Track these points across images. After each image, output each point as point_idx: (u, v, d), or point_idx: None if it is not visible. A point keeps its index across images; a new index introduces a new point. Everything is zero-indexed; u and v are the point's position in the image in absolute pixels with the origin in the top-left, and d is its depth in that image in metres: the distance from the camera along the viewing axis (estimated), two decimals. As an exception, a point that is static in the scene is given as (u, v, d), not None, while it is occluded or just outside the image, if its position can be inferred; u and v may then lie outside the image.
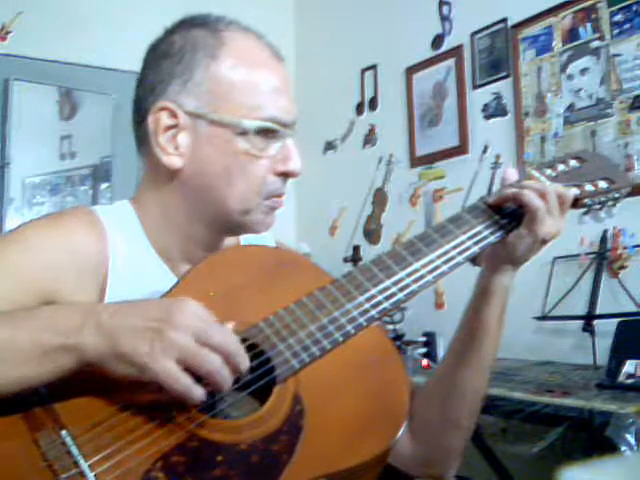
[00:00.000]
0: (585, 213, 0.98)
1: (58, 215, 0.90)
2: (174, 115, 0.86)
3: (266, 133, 0.86)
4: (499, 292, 0.92)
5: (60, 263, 0.83)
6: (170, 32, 0.90)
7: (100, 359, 0.70)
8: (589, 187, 0.94)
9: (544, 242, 0.88)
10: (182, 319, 0.69)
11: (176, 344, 0.68)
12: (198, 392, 0.69)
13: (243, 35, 0.89)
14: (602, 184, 0.95)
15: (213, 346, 0.69)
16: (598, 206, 0.96)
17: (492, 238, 0.89)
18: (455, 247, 0.87)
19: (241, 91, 0.86)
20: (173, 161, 0.87)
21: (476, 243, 0.88)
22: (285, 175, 0.89)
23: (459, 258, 0.86)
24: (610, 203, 0.96)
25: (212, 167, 0.86)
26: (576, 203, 0.93)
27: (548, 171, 0.95)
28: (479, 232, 0.88)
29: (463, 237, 0.88)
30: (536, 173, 0.95)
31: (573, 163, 0.97)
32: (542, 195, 0.87)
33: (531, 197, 0.86)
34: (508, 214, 0.90)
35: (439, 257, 0.86)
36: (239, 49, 0.87)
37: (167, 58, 0.88)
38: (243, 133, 0.85)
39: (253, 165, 0.86)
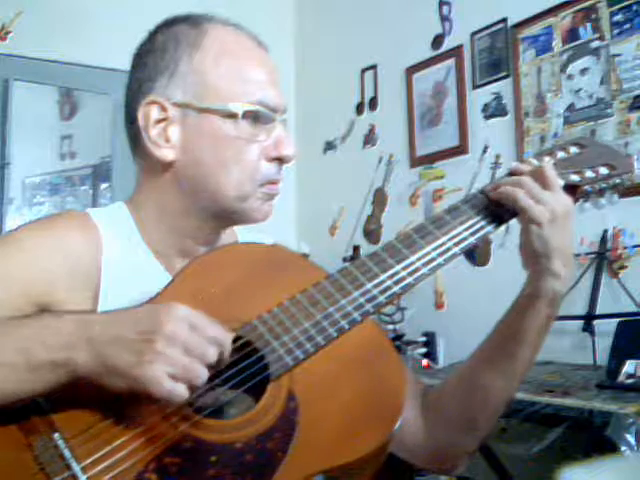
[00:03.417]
0: (585, 200, 0.96)
1: (51, 218, 0.90)
2: (163, 108, 0.87)
3: (255, 118, 0.86)
4: (544, 297, 0.86)
5: (53, 266, 0.82)
6: (153, 32, 0.91)
7: (92, 373, 0.70)
8: (589, 173, 0.91)
9: (553, 221, 0.83)
10: (171, 329, 0.69)
11: (164, 356, 0.68)
12: (181, 393, 0.68)
13: (224, 26, 0.90)
14: (603, 170, 0.91)
15: (199, 357, 0.69)
16: (598, 193, 0.93)
17: (489, 228, 0.87)
18: (451, 238, 0.85)
19: (226, 78, 0.86)
20: (165, 154, 0.87)
21: (473, 234, 0.87)
22: (278, 160, 0.89)
23: (455, 249, 0.85)
24: (611, 190, 0.93)
25: (205, 156, 0.87)
26: (576, 190, 0.91)
27: (547, 158, 0.93)
28: (476, 222, 0.87)
29: (460, 228, 0.86)
30: (534, 161, 0.92)
31: (573, 149, 0.95)
32: (518, 184, 0.85)
33: (509, 191, 0.85)
34: (503, 204, 0.88)
35: (435, 249, 0.85)
36: (222, 39, 0.88)
37: (151, 55, 0.89)
38: (231, 117, 0.85)
39: (245, 150, 0.87)
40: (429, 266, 0.84)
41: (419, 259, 0.84)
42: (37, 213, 3.33)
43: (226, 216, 0.90)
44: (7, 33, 3.03)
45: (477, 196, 0.90)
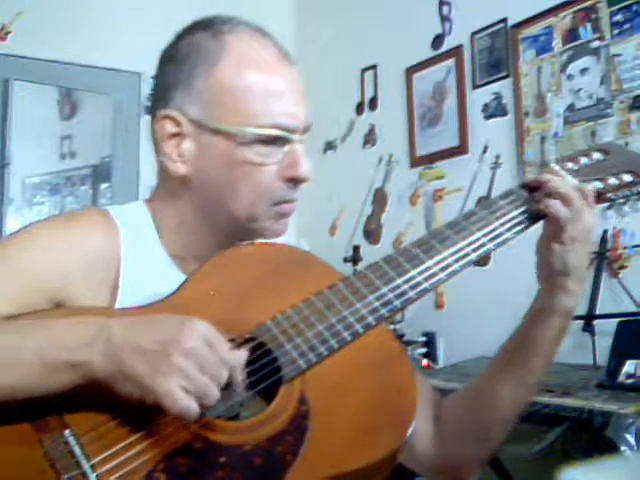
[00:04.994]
0: (608, 207, 0.95)
1: (70, 216, 0.90)
2: (177, 123, 0.86)
3: (269, 140, 0.85)
4: (557, 312, 0.87)
5: (70, 264, 0.83)
6: (178, 36, 0.90)
7: (107, 377, 0.70)
8: (613, 181, 0.91)
9: (578, 241, 0.84)
10: (189, 344, 0.69)
11: (179, 369, 0.68)
12: (195, 411, 0.69)
13: (248, 37, 0.87)
14: (627, 177, 0.91)
15: (214, 377, 0.69)
16: (622, 200, 0.92)
17: (508, 235, 0.86)
18: (469, 244, 0.85)
19: (241, 98, 0.84)
20: (178, 168, 0.87)
21: (492, 239, 0.86)
22: (293, 181, 0.88)
23: (473, 255, 0.84)
24: (635, 197, 0.92)
25: (216, 176, 0.86)
26: (599, 197, 0.90)
27: (570, 164, 0.92)
28: (494, 229, 0.86)
29: (478, 234, 0.86)
30: (557, 167, 0.91)
31: (597, 156, 0.94)
32: (566, 202, 0.84)
33: (557, 208, 0.84)
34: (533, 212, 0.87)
35: (452, 255, 0.84)
36: (240, 53, 0.85)
37: (171, 64, 0.88)
38: (244, 142, 0.84)
39: (257, 173, 0.85)
40: (446, 271, 0.83)
41: (436, 264, 0.83)
42: (37, 213, 3.32)
43: (237, 234, 0.90)
44: (7, 33, 3.03)
45: (496, 200, 0.89)
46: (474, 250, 0.85)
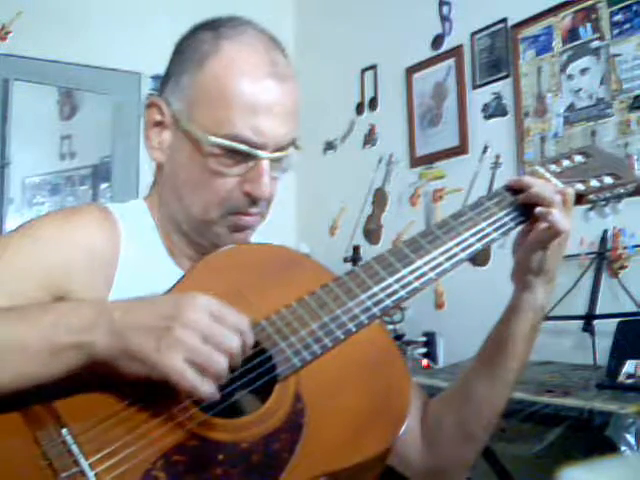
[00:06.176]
0: (590, 209, 0.97)
1: (71, 211, 0.90)
2: (162, 112, 0.88)
3: (233, 151, 0.84)
4: (529, 310, 0.90)
5: (72, 259, 0.83)
6: (190, 31, 0.91)
7: (111, 357, 0.70)
8: (594, 183, 0.92)
9: (559, 244, 0.87)
10: (190, 316, 0.70)
11: (183, 342, 0.68)
12: (207, 388, 0.69)
13: (244, 45, 0.85)
14: (607, 179, 0.93)
15: (219, 346, 0.69)
16: (603, 202, 0.95)
17: (495, 235, 0.88)
18: (458, 244, 0.86)
19: (214, 103, 0.84)
20: (155, 155, 0.90)
21: (479, 240, 0.87)
22: (250, 196, 0.86)
23: (462, 255, 0.86)
24: (615, 199, 0.94)
25: (181, 172, 0.88)
26: (581, 199, 0.91)
27: (553, 167, 0.94)
28: (481, 229, 0.88)
29: (466, 234, 0.87)
30: (541, 169, 0.93)
31: (578, 158, 0.96)
32: (550, 206, 0.85)
33: (558, 219, 0.84)
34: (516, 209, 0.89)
35: (441, 254, 0.85)
36: (230, 59, 0.84)
37: (175, 55, 0.90)
38: (207, 149, 0.84)
39: (217, 180, 0.85)
40: (436, 271, 0.84)
41: (426, 264, 0.84)
42: (37, 213, 3.32)
43: (195, 233, 0.90)
44: (7, 33, 3.03)
45: (483, 201, 0.90)
46: (463, 250, 0.86)
